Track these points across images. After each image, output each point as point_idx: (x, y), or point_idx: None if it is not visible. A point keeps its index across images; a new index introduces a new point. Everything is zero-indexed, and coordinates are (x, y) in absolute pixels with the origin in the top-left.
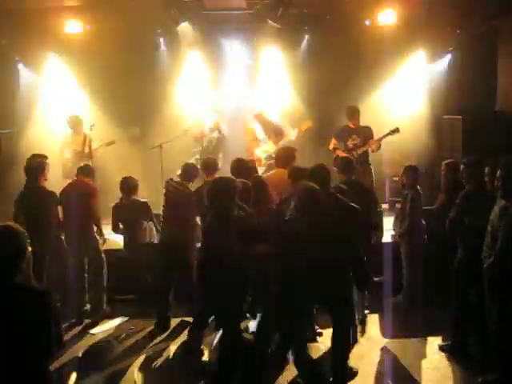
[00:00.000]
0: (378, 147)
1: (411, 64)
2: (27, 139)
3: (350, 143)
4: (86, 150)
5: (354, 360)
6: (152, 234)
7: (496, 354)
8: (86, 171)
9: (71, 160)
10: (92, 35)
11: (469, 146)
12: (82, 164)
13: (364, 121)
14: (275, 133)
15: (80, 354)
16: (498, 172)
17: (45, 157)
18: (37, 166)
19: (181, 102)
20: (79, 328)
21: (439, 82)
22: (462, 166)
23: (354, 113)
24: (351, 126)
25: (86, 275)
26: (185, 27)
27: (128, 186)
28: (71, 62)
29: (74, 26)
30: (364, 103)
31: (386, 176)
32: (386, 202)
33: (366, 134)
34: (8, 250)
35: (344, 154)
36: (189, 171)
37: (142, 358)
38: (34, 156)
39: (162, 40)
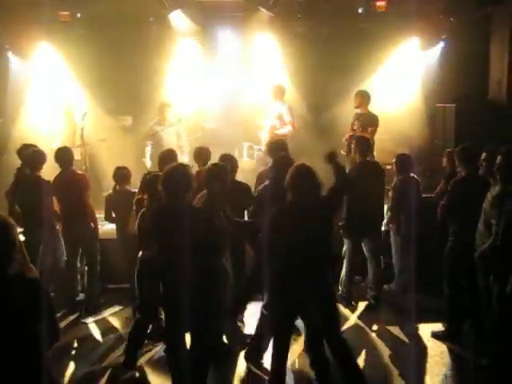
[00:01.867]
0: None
1: (404, 52)
2: (18, 129)
3: (352, 128)
4: (78, 141)
5: None
6: None
7: (494, 337)
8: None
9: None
10: (83, 23)
11: (462, 134)
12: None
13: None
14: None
15: (73, 344)
16: (499, 159)
17: (35, 146)
18: (35, 155)
19: (172, 91)
20: (72, 318)
21: (432, 69)
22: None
23: (356, 97)
24: (357, 111)
25: (78, 265)
26: (177, 15)
27: (121, 175)
28: (62, 51)
29: (64, 14)
30: (357, 91)
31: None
32: None
33: (366, 120)
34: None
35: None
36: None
37: None
38: (27, 146)
39: (154, 28)
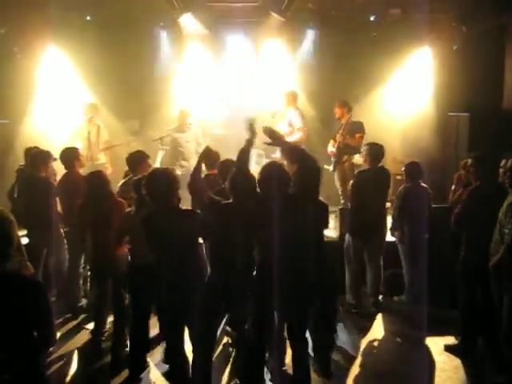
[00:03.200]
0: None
1: (416, 61)
2: (24, 130)
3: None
4: (101, 140)
5: (358, 359)
6: None
7: (507, 351)
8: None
9: (83, 151)
10: (92, 26)
11: (475, 143)
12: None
13: (367, 117)
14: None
15: (75, 349)
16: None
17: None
18: (40, 156)
19: (181, 95)
20: (74, 323)
21: (444, 79)
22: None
23: (337, 109)
24: (341, 121)
25: (81, 270)
26: (187, 19)
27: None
28: (70, 53)
29: (73, 17)
30: (368, 99)
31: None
32: (389, 201)
33: (353, 127)
34: None
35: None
36: None
37: None
38: (34, 148)
39: (163, 32)
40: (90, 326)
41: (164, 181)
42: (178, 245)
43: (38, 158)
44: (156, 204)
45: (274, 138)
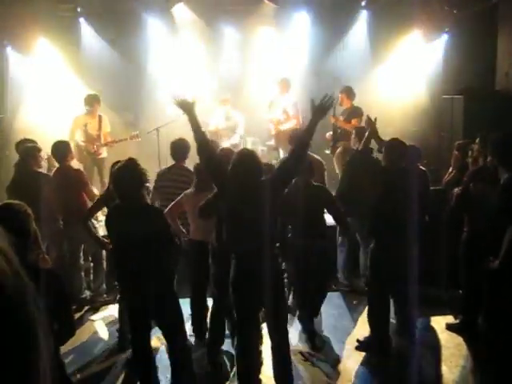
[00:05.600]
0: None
1: (409, 44)
2: (19, 124)
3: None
4: (102, 132)
5: (360, 337)
6: None
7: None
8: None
9: (84, 143)
10: (84, 18)
11: (470, 125)
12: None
13: (360, 102)
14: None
15: (80, 341)
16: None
17: (35, 142)
18: (30, 150)
19: (174, 86)
20: (78, 315)
21: (437, 62)
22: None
23: (340, 94)
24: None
25: (82, 262)
26: (180, 9)
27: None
28: (62, 46)
29: (64, 9)
30: (362, 84)
31: None
32: None
33: (350, 113)
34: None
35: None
36: None
37: None
38: (24, 141)
39: (156, 22)
40: (95, 317)
41: (128, 177)
42: (136, 244)
43: (26, 152)
44: (120, 200)
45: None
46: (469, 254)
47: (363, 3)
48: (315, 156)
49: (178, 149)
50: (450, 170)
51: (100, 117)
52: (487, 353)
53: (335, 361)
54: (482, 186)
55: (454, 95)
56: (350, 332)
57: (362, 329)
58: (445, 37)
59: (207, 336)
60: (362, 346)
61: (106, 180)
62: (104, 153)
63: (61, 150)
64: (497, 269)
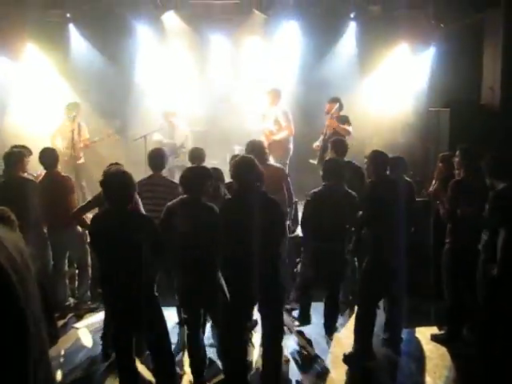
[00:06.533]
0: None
1: (396, 57)
2: (6, 130)
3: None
4: (81, 139)
5: (344, 350)
6: None
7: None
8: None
9: (63, 149)
10: (73, 24)
11: (456, 137)
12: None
13: (348, 114)
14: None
15: (63, 349)
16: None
17: (26, 147)
18: (15, 155)
19: (162, 93)
20: (62, 322)
21: (424, 75)
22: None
23: (328, 103)
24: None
25: (66, 269)
26: (170, 17)
27: None
28: (51, 52)
29: (53, 14)
30: (349, 96)
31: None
32: None
33: (339, 121)
34: None
35: None
36: None
37: None
38: (14, 147)
39: (145, 30)
40: (79, 324)
41: (117, 183)
42: (123, 251)
43: (11, 157)
44: (109, 206)
45: None
46: (452, 265)
47: (352, 15)
48: (275, 164)
49: (155, 159)
50: (434, 181)
51: (79, 124)
52: (471, 364)
53: (322, 370)
54: (465, 197)
55: (440, 108)
56: (337, 342)
57: (350, 338)
58: (432, 50)
59: None
60: (347, 357)
61: (84, 184)
62: (82, 158)
63: (49, 156)
64: (496, 276)
